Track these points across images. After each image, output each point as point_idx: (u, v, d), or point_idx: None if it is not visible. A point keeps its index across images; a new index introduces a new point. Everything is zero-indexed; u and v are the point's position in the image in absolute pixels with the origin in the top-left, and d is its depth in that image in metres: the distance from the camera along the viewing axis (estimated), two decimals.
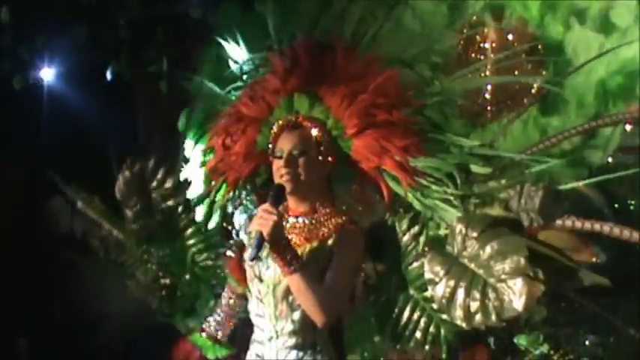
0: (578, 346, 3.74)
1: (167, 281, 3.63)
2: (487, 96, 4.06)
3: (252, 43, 3.59)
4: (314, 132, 2.96)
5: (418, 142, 3.04)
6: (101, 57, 4.64)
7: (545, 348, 3.73)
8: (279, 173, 2.88)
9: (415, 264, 3.09)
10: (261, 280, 2.92)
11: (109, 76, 4.41)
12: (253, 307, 2.98)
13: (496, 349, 3.65)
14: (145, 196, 3.61)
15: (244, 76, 3.47)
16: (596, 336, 3.70)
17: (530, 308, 2.84)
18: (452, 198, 3.01)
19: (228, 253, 3.32)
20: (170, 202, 3.60)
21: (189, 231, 3.61)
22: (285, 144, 2.91)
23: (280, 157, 2.90)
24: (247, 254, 2.92)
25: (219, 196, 3.32)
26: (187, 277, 3.61)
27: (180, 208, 3.60)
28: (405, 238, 3.12)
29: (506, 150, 3.24)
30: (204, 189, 3.37)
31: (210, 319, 3.26)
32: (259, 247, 2.72)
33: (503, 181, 3.02)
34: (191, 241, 3.62)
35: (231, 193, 3.30)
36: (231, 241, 3.65)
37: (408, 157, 3.00)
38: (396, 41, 3.32)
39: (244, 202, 3.49)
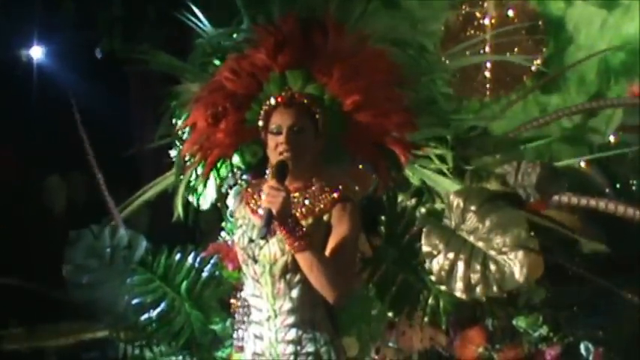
0: (578, 328, 3.77)
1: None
2: (486, 73, 4.03)
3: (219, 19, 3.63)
4: (311, 108, 2.96)
5: (413, 118, 3.09)
6: (93, 35, 4.61)
7: (544, 330, 3.73)
8: (279, 150, 2.88)
9: (411, 237, 3.17)
10: (255, 260, 2.93)
11: (98, 54, 4.39)
12: (249, 288, 2.99)
13: (494, 330, 3.64)
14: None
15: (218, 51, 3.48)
16: (596, 318, 3.75)
17: (531, 280, 2.92)
18: (448, 172, 3.07)
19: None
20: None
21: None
22: (284, 120, 2.91)
23: (277, 134, 2.89)
24: (255, 234, 2.92)
25: (198, 175, 3.33)
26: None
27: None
28: (401, 211, 3.20)
29: (505, 127, 3.29)
30: (181, 168, 3.38)
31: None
32: (269, 225, 2.73)
33: (498, 157, 3.09)
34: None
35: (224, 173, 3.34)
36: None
37: (404, 132, 3.06)
38: (384, 19, 3.32)
39: (239, 181, 3.54)
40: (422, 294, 3.19)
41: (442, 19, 3.97)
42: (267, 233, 2.72)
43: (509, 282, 2.90)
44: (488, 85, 4.13)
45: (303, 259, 2.77)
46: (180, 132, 3.49)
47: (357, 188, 3.27)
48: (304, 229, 2.77)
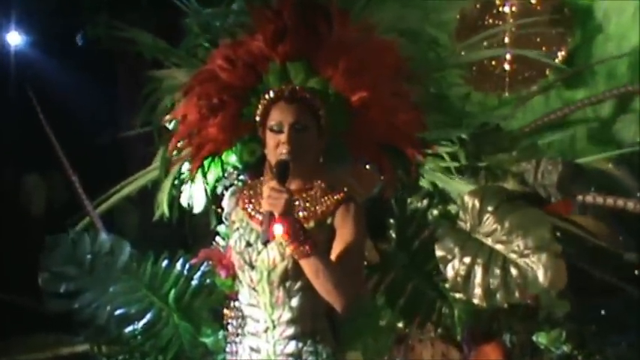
0: (605, 345, 3.74)
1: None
2: (505, 66, 4.00)
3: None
4: (314, 104, 2.93)
5: (421, 116, 3.10)
6: (77, 21, 4.60)
7: (567, 347, 3.70)
8: (280, 150, 2.85)
9: (423, 241, 3.19)
10: (252, 266, 2.91)
11: (79, 40, 4.37)
12: (245, 296, 2.97)
13: (512, 347, 3.59)
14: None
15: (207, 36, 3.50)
16: (626, 335, 3.71)
17: (555, 287, 2.92)
18: (460, 171, 3.13)
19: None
20: None
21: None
22: (285, 117, 2.88)
23: (278, 132, 2.87)
24: (253, 237, 2.91)
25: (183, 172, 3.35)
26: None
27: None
28: (412, 213, 3.23)
29: (524, 121, 3.29)
30: (166, 164, 3.38)
31: (232, 347, 3.38)
32: (269, 229, 2.71)
33: (514, 153, 3.13)
34: None
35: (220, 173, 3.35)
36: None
37: (413, 131, 3.08)
38: (392, 8, 3.37)
39: (235, 182, 3.53)
40: (435, 302, 3.21)
41: (457, 7, 3.93)
42: (269, 238, 2.71)
43: (533, 286, 2.92)
44: (507, 80, 4.08)
45: (308, 265, 2.76)
46: (167, 124, 3.47)
47: (361, 189, 3.24)
48: (308, 232, 2.76)
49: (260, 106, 2.94)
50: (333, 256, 2.81)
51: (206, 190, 3.45)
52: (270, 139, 2.87)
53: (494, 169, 3.17)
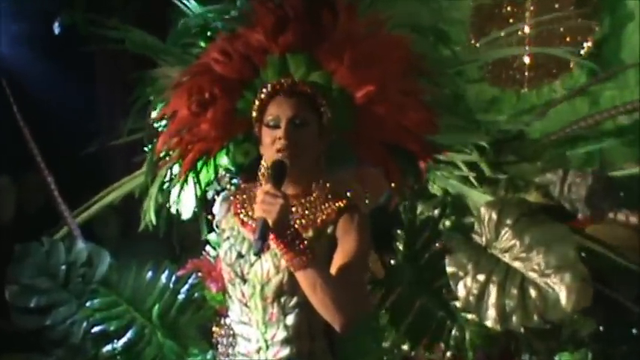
0: None
1: None
2: (525, 59, 3.96)
3: None
4: (316, 100, 2.92)
5: (433, 117, 3.09)
6: (51, 6, 4.57)
7: None
8: (276, 147, 2.83)
9: (433, 255, 3.18)
10: (244, 280, 2.89)
11: (56, 29, 4.35)
12: (236, 313, 2.95)
13: None
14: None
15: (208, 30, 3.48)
16: None
17: (579, 309, 2.91)
18: (478, 181, 3.13)
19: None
20: None
21: None
22: (283, 112, 2.87)
23: (275, 127, 2.85)
24: (245, 248, 2.89)
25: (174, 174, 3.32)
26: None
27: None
28: (421, 224, 3.21)
29: (547, 125, 3.31)
30: (154, 166, 3.37)
31: None
32: (265, 238, 2.68)
33: (538, 163, 3.14)
34: None
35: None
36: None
37: (424, 133, 3.08)
38: (402, 3, 3.38)
39: (228, 186, 3.53)
40: (444, 322, 3.18)
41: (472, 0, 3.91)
42: (262, 248, 2.68)
43: (554, 311, 2.91)
44: (526, 74, 4.04)
45: (305, 278, 2.73)
46: (155, 123, 3.46)
47: (367, 196, 3.29)
48: (305, 242, 2.73)
49: (256, 101, 2.93)
50: (333, 270, 2.79)
51: (196, 195, 3.41)
52: (266, 135, 2.86)
53: (515, 179, 3.17)
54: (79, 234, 4.15)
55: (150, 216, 3.50)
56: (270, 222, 2.67)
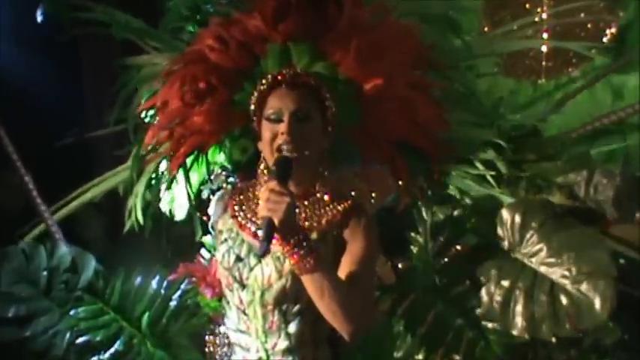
0: None
1: None
2: (542, 47, 3.93)
3: None
4: (321, 92, 2.89)
5: (443, 113, 3.12)
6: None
7: None
8: (278, 142, 2.81)
9: (451, 259, 3.19)
10: (243, 285, 2.88)
11: (39, 16, 4.31)
12: (233, 320, 2.94)
13: None
14: None
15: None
16: None
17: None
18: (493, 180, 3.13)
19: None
20: None
21: None
22: (285, 104, 2.84)
23: (276, 121, 2.83)
24: (244, 250, 2.88)
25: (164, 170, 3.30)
26: None
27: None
28: (436, 227, 3.22)
29: (567, 120, 3.36)
30: (139, 162, 3.35)
31: None
32: (270, 238, 2.66)
33: (559, 163, 3.16)
34: None
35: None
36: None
37: (434, 129, 3.10)
38: None
39: (224, 185, 3.49)
40: (462, 332, 3.17)
41: None
42: (267, 249, 2.67)
43: (588, 318, 2.92)
44: (544, 63, 4.01)
45: (312, 283, 2.72)
46: (143, 114, 3.43)
47: (373, 195, 3.19)
48: (312, 243, 2.72)
49: (256, 93, 2.90)
50: (341, 275, 2.78)
51: (189, 195, 3.40)
52: (267, 129, 2.83)
53: (536, 179, 3.19)
54: (61, 236, 4.11)
55: (136, 215, 3.47)
56: (276, 222, 2.65)
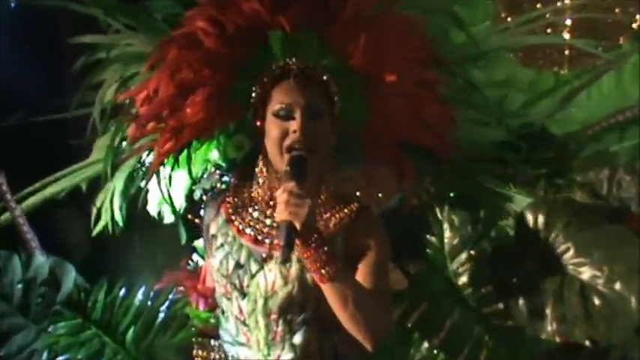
0: None
1: None
2: (565, 34, 3.89)
3: None
4: (330, 88, 2.89)
5: (450, 111, 3.15)
6: None
7: None
8: (289, 141, 2.79)
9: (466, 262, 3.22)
10: (243, 294, 2.86)
11: (12, 1, 4.29)
12: (230, 332, 2.93)
13: None
14: None
15: None
16: None
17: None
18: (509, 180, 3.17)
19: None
20: None
21: None
22: (297, 99, 2.82)
23: (287, 118, 2.81)
24: (243, 257, 2.87)
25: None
26: None
27: None
28: (448, 228, 3.27)
29: (591, 113, 3.37)
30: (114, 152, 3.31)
31: None
32: (292, 245, 2.67)
33: (577, 161, 3.25)
34: None
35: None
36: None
37: (442, 129, 3.14)
38: None
39: (218, 185, 3.43)
40: (482, 339, 3.20)
41: None
42: (289, 257, 2.73)
43: (625, 319, 2.94)
44: (567, 52, 3.98)
45: (336, 291, 2.74)
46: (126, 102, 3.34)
47: (379, 196, 3.25)
48: (332, 248, 2.74)
49: (259, 85, 2.90)
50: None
51: (169, 197, 3.35)
52: (275, 126, 2.82)
53: (555, 178, 3.24)
54: (37, 244, 4.05)
55: (113, 216, 3.44)
56: (297, 226, 2.66)
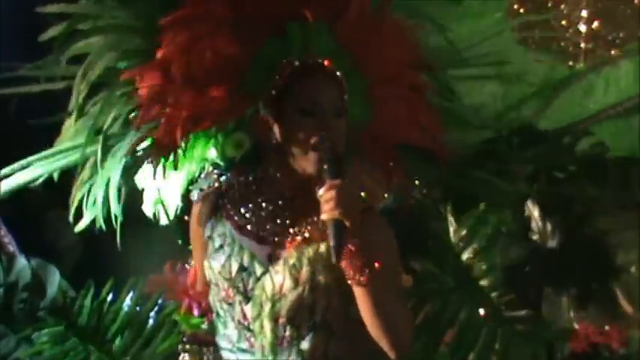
0: None
1: None
2: (581, 27, 3.88)
3: None
4: (342, 84, 2.86)
5: (438, 116, 3.21)
6: None
7: None
8: (318, 139, 2.74)
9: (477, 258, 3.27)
10: (247, 298, 2.82)
11: None
12: (230, 339, 2.87)
13: None
14: None
15: None
16: None
17: None
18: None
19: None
20: None
21: None
22: (325, 96, 2.79)
23: (313, 115, 2.77)
24: (247, 258, 2.83)
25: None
26: None
27: None
28: (455, 224, 3.33)
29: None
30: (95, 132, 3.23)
31: None
32: (343, 244, 2.64)
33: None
34: None
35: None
36: None
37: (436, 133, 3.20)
38: None
39: (216, 184, 3.22)
40: (495, 335, 3.24)
41: None
42: (342, 255, 2.68)
43: None
44: (583, 45, 3.95)
45: (372, 295, 2.71)
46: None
47: (385, 196, 3.23)
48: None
49: (280, 77, 2.85)
50: None
51: (186, 190, 3.31)
52: (300, 123, 2.78)
53: (553, 171, 3.29)
54: (15, 247, 4.06)
55: (107, 211, 3.32)
56: (348, 224, 2.64)
